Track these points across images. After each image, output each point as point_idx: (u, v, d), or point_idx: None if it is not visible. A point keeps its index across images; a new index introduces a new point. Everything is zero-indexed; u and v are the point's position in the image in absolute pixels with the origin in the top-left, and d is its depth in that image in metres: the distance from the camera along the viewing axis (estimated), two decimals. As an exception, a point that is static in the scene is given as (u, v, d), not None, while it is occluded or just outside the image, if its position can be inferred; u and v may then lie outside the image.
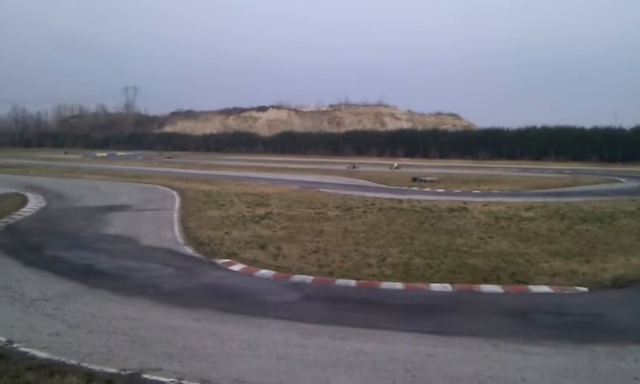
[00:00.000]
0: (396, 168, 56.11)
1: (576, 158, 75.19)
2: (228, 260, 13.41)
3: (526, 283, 11.33)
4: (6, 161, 62.93)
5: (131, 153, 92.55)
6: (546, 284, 11.24)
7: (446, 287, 11.04)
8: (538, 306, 9.97)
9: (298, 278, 11.80)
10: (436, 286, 11.08)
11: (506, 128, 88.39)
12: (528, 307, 9.87)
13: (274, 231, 17.08)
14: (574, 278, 11.66)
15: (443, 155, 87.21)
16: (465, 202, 24.31)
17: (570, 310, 9.65)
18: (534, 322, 9.07)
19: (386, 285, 11.23)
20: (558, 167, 60.44)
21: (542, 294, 10.71)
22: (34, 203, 23.82)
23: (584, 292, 10.88)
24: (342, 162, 64.86)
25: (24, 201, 24.47)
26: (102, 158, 79.25)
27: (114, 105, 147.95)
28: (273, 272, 12.26)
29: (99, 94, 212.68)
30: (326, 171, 50.34)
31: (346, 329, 8.47)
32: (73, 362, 7.08)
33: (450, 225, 18.29)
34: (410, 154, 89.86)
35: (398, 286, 11.17)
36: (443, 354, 7.48)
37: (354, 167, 55.87)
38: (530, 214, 20.89)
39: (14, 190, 28.41)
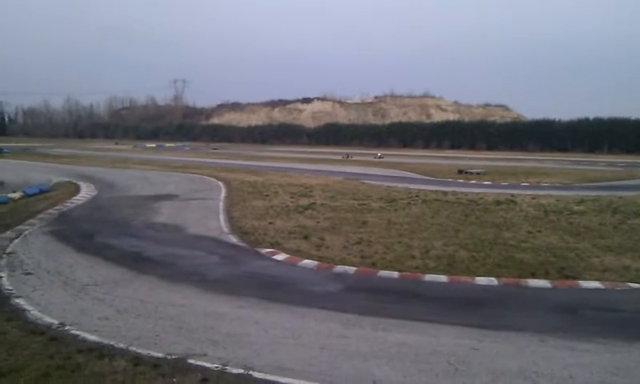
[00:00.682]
0: (379, 157, 58.37)
1: (631, 151, 72.19)
2: (271, 249, 13.53)
3: (575, 278, 10.99)
4: (60, 151, 65.31)
5: (179, 144, 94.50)
6: (597, 279, 10.88)
7: (492, 281, 10.83)
8: (587, 302, 9.65)
9: (340, 268, 11.80)
10: (481, 280, 10.88)
11: (557, 119, 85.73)
12: (577, 303, 9.57)
13: (318, 222, 17.13)
14: (627, 274, 11.25)
15: (491, 147, 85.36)
16: (512, 195, 23.77)
17: (622, 307, 9.33)
18: (583, 318, 8.81)
19: (429, 277, 11.10)
20: (611, 160, 58.30)
21: (592, 290, 10.38)
22: (86, 192, 24.64)
23: (637, 288, 10.47)
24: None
25: (76, 189, 25.36)
26: (151, 148, 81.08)
27: (163, 97, 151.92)
28: (316, 262, 12.30)
29: (149, 87, 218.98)
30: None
31: (389, 320, 8.43)
32: (121, 345, 7.32)
33: (497, 218, 17.92)
34: (457, 145, 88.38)
35: (442, 278, 11.03)
36: (488, 348, 7.36)
37: (348, 156, 60.07)
38: (581, 207, 20.26)
39: (67, 179, 29.43)
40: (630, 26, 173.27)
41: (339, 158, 57.55)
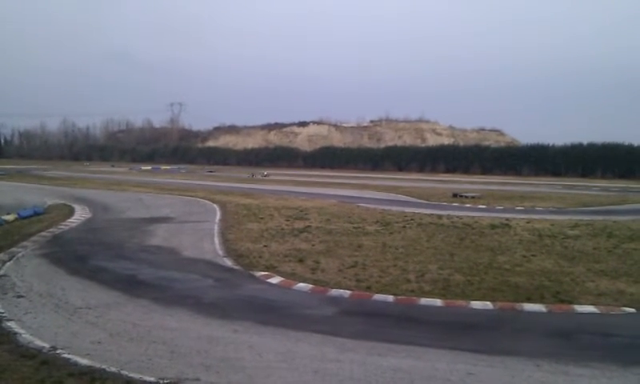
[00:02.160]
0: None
1: (624, 176, 72.69)
2: (266, 272, 13.48)
3: (570, 303, 10.98)
4: (55, 173, 65.16)
5: (175, 167, 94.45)
6: (592, 304, 10.87)
7: (487, 305, 10.80)
8: (583, 327, 9.62)
9: (335, 292, 11.76)
10: (477, 304, 10.85)
11: (551, 144, 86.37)
12: (573, 327, 9.54)
13: (313, 245, 17.10)
14: (621, 299, 11.24)
15: (485, 171, 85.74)
16: (507, 219, 23.81)
17: (617, 331, 9.30)
18: (578, 343, 8.77)
19: (424, 301, 11.07)
20: (604, 184, 58.57)
21: (587, 314, 10.35)
22: (80, 214, 24.56)
23: (632, 313, 10.46)
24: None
25: (71, 212, 25.27)
26: (147, 171, 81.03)
27: (160, 120, 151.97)
28: (310, 285, 12.25)
29: (145, 109, 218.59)
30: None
31: (383, 344, 8.38)
32: (113, 369, 7.24)
33: (492, 242, 17.93)
34: (451, 169, 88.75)
35: (437, 302, 10.99)
36: (483, 373, 7.31)
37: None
38: (576, 231, 20.31)
39: (62, 201, 29.34)
40: (622, 53, 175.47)
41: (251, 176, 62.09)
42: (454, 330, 9.36)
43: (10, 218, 21.81)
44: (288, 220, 22.78)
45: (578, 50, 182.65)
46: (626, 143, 78.65)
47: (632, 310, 10.61)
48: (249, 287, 12.38)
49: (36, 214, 23.64)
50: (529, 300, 11.12)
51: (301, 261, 14.75)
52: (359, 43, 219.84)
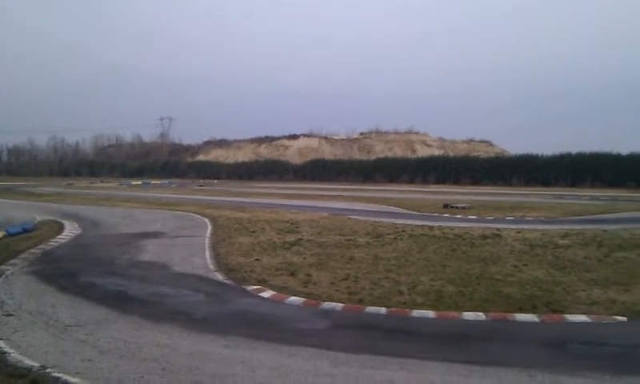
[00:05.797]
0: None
1: (613, 185, 73.24)
2: (258, 286, 13.42)
3: (562, 312, 11.00)
4: (44, 189, 64.76)
5: (165, 181, 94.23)
6: (584, 313, 10.90)
7: (480, 316, 10.80)
8: (575, 336, 9.64)
9: (327, 305, 11.71)
10: (469, 315, 10.85)
11: (540, 154, 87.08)
12: (565, 337, 9.56)
13: (304, 258, 17.06)
14: (613, 307, 11.28)
15: (475, 182, 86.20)
16: (498, 229, 23.89)
17: (609, 340, 9.32)
18: (571, 352, 8.79)
19: (417, 313, 11.05)
20: (594, 194, 58.97)
21: (579, 324, 10.38)
22: (70, 230, 24.37)
23: (623, 322, 10.51)
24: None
25: (60, 228, 25.07)
26: (137, 186, 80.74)
27: (150, 134, 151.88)
28: (303, 299, 12.21)
29: (135, 124, 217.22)
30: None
31: (377, 357, 8.35)
32: (104, 387, 7.14)
33: (483, 252, 17.97)
34: (442, 180, 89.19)
35: (430, 314, 10.97)
36: (477, 384, 7.29)
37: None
38: (566, 241, 20.40)
39: (51, 218, 29.12)
40: (608, 62, 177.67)
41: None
42: (446, 341, 9.34)
43: (-1, 235, 21.61)
44: (279, 233, 22.73)
45: (563, 58, 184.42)
46: (614, 152, 79.54)
47: (623, 318, 10.65)
48: (240, 302, 12.31)
49: (25, 231, 23.39)
50: (521, 310, 11.13)
51: (292, 274, 14.71)
52: (348, 55, 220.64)
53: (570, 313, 10.94)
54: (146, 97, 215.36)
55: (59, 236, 22.61)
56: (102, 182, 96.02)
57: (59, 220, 28.03)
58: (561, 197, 53.71)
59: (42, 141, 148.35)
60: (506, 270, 15.16)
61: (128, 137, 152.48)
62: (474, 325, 10.39)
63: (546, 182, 79.63)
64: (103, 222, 28.10)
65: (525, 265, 15.81)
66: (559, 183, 78.26)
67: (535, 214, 33.41)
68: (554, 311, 11.08)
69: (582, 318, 10.65)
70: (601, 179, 75.89)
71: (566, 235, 21.88)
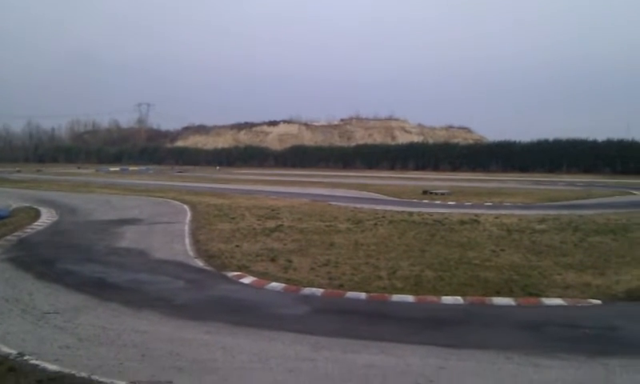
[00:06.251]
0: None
1: (588, 171, 74.63)
2: (238, 273, 13.40)
3: (538, 296, 11.20)
4: (19, 175, 63.64)
5: (143, 167, 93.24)
6: (559, 296, 11.11)
7: (458, 300, 10.95)
8: (551, 319, 9.83)
9: (308, 290, 11.76)
10: (447, 299, 10.99)
11: (517, 141, 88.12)
12: (541, 320, 9.74)
13: (285, 244, 17.07)
14: (588, 291, 11.52)
15: (454, 168, 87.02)
16: (476, 215, 24.15)
17: (584, 323, 9.50)
18: (547, 335, 8.96)
19: (396, 298, 11.15)
20: (570, 180, 59.92)
21: (555, 307, 10.59)
22: (47, 217, 24.01)
23: (597, 304, 10.74)
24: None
25: (37, 215, 24.68)
26: (115, 172, 79.78)
27: (127, 120, 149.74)
28: (283, 285, 12.23)
29: (112, 110, 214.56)
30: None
31: (357, 342, 8.41)
32: (83, 374, 7.09)
33: (462, 237, 18.17)
34: (421, 167, 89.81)
35: (409, 298, 11.08)
36: (455, 367, 7.40)
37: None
38: (543, 226, 20.71)
39: (27, 204, 28.64)
40: (584, 47, 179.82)
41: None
42: (425, 325, 9.47)
43: (-27, 222, 21.21)
44: (260, 219, 22.69)
45: (541, 43, 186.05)
46: (590, 139, 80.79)
47: (598, 301, 10.89)
48: (221, 288, 12.29)
49: (0, 217, 23.02)
50: (498, 294, 11.31)
51: (273, 260, 14.71)
52: (327, 41, 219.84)
53: (546, 296, 11.15)
54: (123, 83, 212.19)
55: (36, 223, 22.26)
56: (78, 168, 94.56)
57: (35, 206, 27.57)
58: (538, 183, 54.48)
59: (17, 126, 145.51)
60: (484, 254, 15.35)
61: (105, 123, 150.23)
62: (452, 309, 10.53)
63: (523, 169, 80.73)
64: (80, 208, 27.73)
65: (502, 250, 16.03)
66: (536, 169, 79.33)
67: (513, 199, 33.86)
68: (531, 295, 11.28)
69: (558, 301, 10.86)
70: (577, 165, 77.22)
71: (542, 220, 22.20)
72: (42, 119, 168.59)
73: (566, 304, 10.70)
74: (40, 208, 26.93)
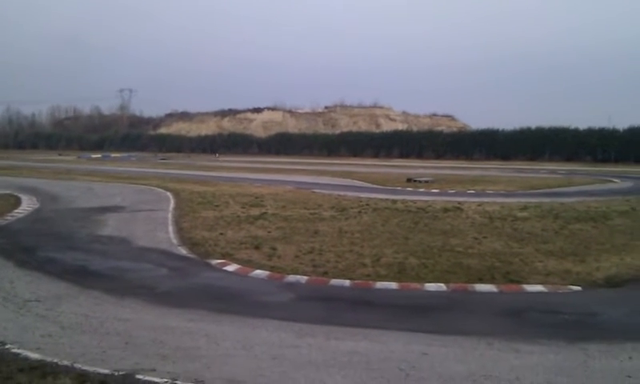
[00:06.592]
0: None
1: (570, 159, 75.58)
2: (222, 260, 13.37)
3: (520, 282, 11.35)
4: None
5: (125, 154, 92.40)
6: (540, 283, 11.27)
7: (441, 287, 11.04)
8: (532, 305, 9.98)
9: (292, 278, 11.77)
10: (431, 286, 11.08)
11: (500, 129, 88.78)
12: (522, 306, 9.88)
13: (269, 232, 17.05)
14: (568, 278, 11.69)
15: (438, 156, 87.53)
16: (459, 202, 24.33)
17: (564, 309, 9.65)
18: (528, 321, 9.09)
19: (380, 285, 11.22)
20: (552, 168, 60.59)
21: (536, 293, 10.73)
22: (28, 204, 23.69)
23: (578, 291, 10.91)
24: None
25: (17, 202, 24.33)
26: (97, 159, 78.95)
27: (109, 107, 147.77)
28: (267, 272, 12.23)
29: (94, 96, 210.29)
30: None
31: (341, 328, 8.45)
32: (66, 362, 7.03)
33: (445, 225, 18.30)
34: (405, 154, 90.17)
35: (393, 285, 11.16)
36: (437, 353, 7.47)
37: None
38: (524, 213, 20.93)
39: (7, 191, 28.23)
40: (573, 35, 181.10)
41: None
42: (409, 312, 9.54)
43: (-48, 209, 20.87)
44: (244, 207, 22.62)
45: (520, 38, 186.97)
46: (572, 127, 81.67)
47: (578, 288, 11.05)
48: (204, 275, 12.26)
49: (-21, 205, 22.68)
50: (480, 281, 11.43)
51: (257, 248, 14.69)
52: (311, 28, 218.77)
53: (528, 283, 11.30)
54: (105, 68, 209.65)
55: (16, 210, 21.95)
56: (59, 155, 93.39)
57: (16, 194, 27.18)
58: (520, 171, 55.01)
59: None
60: (467, 242, 15.48)
61: (86, 109, 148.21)
62: (435, 295, 10.63)
63: (506, 156, 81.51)
64: (62, 196, 27.40)
65: (485, 237, 16.18)
66: (519, 157, 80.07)
67: (495, 187, 34.18)
68: (512, 281, 11.42)
69: (539, 287, 11.01)
70: (559, 153, 78.06)
71: (524, 208, 22.44)
72: (22, 105, 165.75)
73: (546, 290, 10.86)
74: (20, 195, 26.54)
